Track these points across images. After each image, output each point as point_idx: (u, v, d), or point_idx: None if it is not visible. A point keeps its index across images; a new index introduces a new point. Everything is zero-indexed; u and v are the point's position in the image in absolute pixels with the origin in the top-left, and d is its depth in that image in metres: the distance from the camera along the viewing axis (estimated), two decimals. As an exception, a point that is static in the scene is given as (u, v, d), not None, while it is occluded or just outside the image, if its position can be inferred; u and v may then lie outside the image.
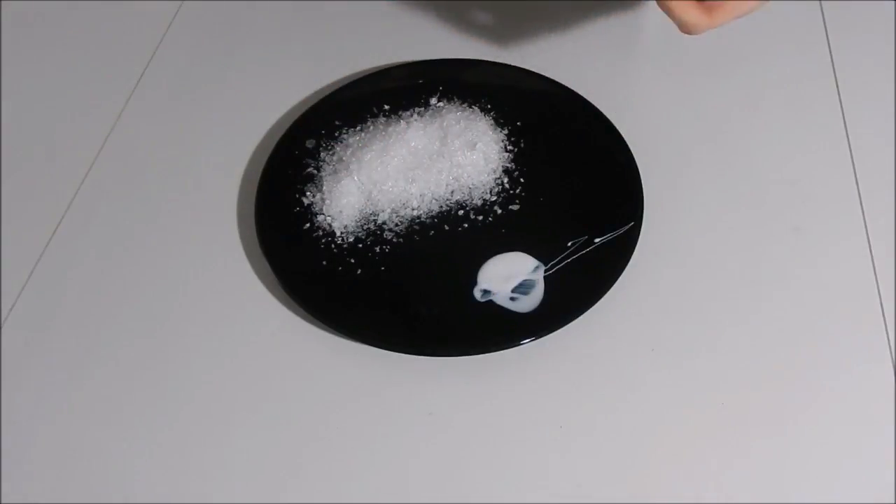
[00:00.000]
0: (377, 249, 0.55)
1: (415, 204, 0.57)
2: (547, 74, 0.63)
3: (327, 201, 0.57)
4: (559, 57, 0.66)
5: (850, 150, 0.60)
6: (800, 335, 0.52)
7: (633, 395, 0.50)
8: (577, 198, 0.57)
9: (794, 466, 0.47)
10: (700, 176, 0.59)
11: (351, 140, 0.60)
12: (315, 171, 0.59)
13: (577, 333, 0.51)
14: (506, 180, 0.58)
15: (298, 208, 0.57)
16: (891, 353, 0.51)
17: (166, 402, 0.50)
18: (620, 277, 0.52)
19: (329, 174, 0.59)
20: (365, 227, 0.56)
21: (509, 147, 0.60)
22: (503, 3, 0.71)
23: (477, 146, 0.59)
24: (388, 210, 0.57)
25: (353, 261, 0.55)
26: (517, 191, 0.58)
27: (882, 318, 0.52)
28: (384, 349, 0.51)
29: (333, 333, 0.52)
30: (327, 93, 0.63)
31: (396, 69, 0.65)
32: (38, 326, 0.54)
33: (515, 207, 0.57)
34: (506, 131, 0.61)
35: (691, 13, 0.50)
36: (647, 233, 0.55)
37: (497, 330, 0.51)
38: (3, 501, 0.47)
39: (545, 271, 0.54)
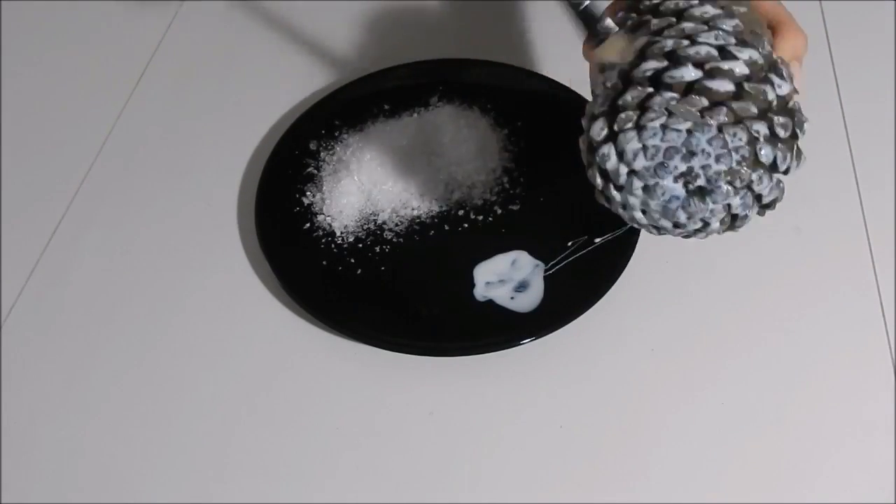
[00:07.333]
0: (377, 249, 0.55)
1: (415, 204, 0.57)
2: (547, 74, 0.63)
3: (327, 201, 0.57)
4: (559, 57, 0.66)
5: (850, 150, 0.60)
6: (799, 335, 0.52)
7: (633, 395, 0.50)
8: (577, 198, 0.57)
9: (794, 466, 0.47)
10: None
11: (351, 140, 0.60)
12: (315, 171, 0.59)
13: (577, 333, 0.51)
14: (506, 180, 0.58)
15: (298, 208, 0.57)
16: (891, 353, 0.51)
17: (166, 402, 0.50)
18: (620, 277, 0.52)
19: (329, 174, 0.59)
20: (365, 227, 0.56)
21: (509, 147, 0.60)
22: (503, 3, 0.71)
23: (477, 146, 0.59)
24: (388, 210, 0.57)
25: (353, 261, 0.55)
26: (517, 191, 0.58)
27: (882, 318, 0.52)
28: (384, 349, 0.51)
29: (333, 333, 0.52)
30: (327, 93, 0.63)
31: (396, 69, 0.65)
32: (38, 326, 0.54)
33: (515, 207, 0.57)
34: (506, 131, 0.61)
35: None
36: (647, 233, 0.54)
37: (497, 330, 0.51)
38: (3, 501, 0.47)
39: (545, 271, 0.54)
